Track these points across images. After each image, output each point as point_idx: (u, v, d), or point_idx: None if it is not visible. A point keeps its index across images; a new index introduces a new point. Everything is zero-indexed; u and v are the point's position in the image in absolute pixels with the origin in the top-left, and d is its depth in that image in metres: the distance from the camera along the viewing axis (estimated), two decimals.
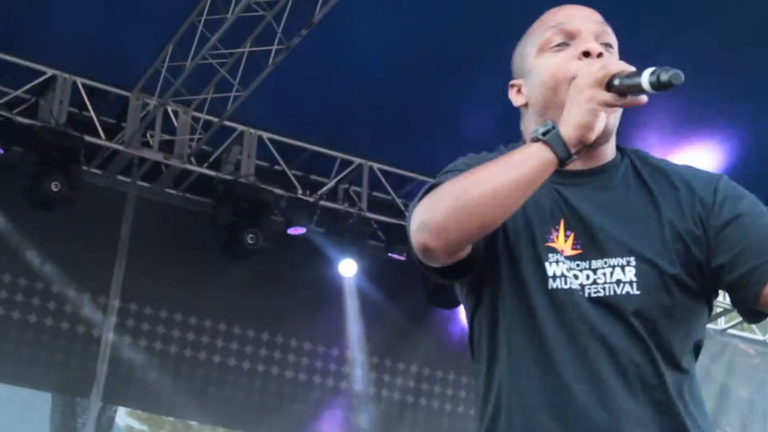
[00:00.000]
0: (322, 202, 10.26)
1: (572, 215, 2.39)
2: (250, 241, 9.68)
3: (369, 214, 10.44)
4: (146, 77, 9.13)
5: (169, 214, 10.16)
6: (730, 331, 12.58)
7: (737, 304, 2.38)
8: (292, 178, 10.23)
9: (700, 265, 2.37)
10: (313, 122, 9.89)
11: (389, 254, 10.40)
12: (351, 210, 10.40)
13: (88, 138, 9.14)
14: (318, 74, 9.04)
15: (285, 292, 10.34)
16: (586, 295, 2.33)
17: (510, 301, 2.37)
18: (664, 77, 2.14)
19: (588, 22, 2.48)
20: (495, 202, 2.19)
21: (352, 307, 10.68)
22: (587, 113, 2.20)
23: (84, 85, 9.33)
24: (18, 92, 9.15)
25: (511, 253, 2.37)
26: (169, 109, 9.31)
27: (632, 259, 2.35)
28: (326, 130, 10.03)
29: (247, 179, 9.83)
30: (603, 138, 2.36)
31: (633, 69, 2.21)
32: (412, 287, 10.48)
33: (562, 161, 2.21)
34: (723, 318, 12.46)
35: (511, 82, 2.57)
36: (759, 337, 12.83)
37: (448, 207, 2.20)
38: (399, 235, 10.17)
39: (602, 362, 2.29)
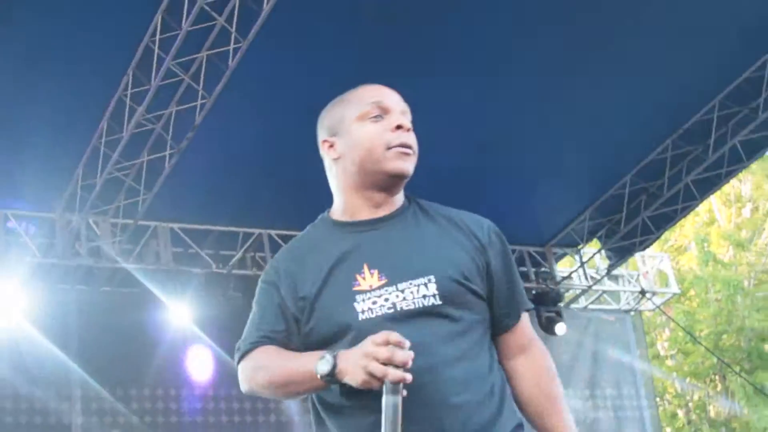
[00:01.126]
0: (234, 272, 10.69)
1: (372, 256, 2.58)
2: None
3: None
4: (65, 198, 9.40)
5: (106, 308, 10.33)
6: (591, 306, 13.16)
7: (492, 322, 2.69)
8: (206, 257, 10.63)
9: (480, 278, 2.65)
10: (214, 206, 10.27)
11: None
12: (259, 273, 10.79)
13: (28, 258, 9.48)
14: (207, 167, 9.48)
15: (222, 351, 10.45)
16: (398, 309, 2.50)
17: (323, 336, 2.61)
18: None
19: (397, 104, 2.70)
20: (274, 393, 2.65)
21: None
22: (362, 379, 2.34)
23: (14, 216, 9.61)
24: None
25: (323, 299, 2.60)
26: (91, 221, 9.55)
27: (430, 278, 2.53)
28: (226, 211, 10.44)
29: (167, 266, 10.22)
30: (395, 189, 2.69)
31: (405, 355, 2.32)
32: None
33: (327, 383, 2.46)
34: (583, 297, 13.05)
35: (324, 138, 2.75)
36: (615, 306, 13.41)
37: (246, 381, 2.66)
38: None
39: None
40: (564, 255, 12.95)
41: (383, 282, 2.53)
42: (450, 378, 2.48)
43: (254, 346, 2.65)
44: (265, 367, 2.58)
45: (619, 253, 12.30)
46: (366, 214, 2.66)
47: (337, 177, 2.73)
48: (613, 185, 11.51)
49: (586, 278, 12.78)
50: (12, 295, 9.36)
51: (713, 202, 22.61)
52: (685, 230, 23.05)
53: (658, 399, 18.55)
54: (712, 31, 9.47)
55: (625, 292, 13.38)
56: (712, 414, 21.96)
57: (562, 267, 13.08)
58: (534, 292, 12.10)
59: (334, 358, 2.40)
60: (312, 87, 8.70)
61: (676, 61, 9.72)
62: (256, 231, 10.83)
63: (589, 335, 12.96)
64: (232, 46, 7.79)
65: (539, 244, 12.46)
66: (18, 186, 9.29)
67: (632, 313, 13.63)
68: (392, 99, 2.71)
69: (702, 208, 20.98)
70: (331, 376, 2.40)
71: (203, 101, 8.21)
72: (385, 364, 2.28)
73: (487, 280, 2.64)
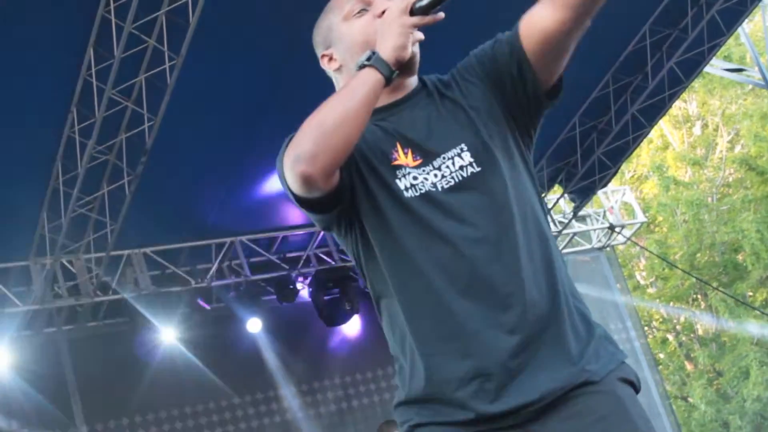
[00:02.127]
0: (213, 283, 10.71)
1: (401, 137, 2.47)
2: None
3: (254, 277, 10.91)
4: (35, 243, 9.38)
5: (96, 342, 10.37)
6: (564, 251, 13.11)
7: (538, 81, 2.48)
8: (183, 275, 10.62)
9: (520, 106, 2.50)
10: (181, 224, 10.27)
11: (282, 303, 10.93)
12: (239, 280, 10.85)
13: (9, 310, 9.45)
14: (167, 187, 9.47)
15: (213, 366, 10.63)
16: (440, 189, 2.41)
17: (378, 227, 2.43)
18: None
19: None
20: (348, 122, 2.27)
21: (268, 354, 10.98)
22: (400, 36, 2.35)
23: None
24: None
25: (366, 180, 2.44)
26: (64, 261, 9.54)
27: (463, 145, 2.45)
28: (194, 226, 10.44)
29: (148, 290, 10.21)
30: (410, 69, 2.50)
31: None
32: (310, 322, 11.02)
33: (388, 79, 2.34)
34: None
35: (322, 53, 2.63)
36: (587, 246, 13.55)
37: (314, 137, 2.26)
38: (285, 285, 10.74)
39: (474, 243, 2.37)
40: None
41: (418, 162, 2.46)
42: (513, 246, 2.38)
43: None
44: (318, 111, 2.32)
45: (582, 194, 12.39)
46: (383, 100, 2.50)
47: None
48: (563, 129, 11.57)
49: (555, 224, 12.85)
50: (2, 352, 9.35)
51: (663, 126, 22.77)
52: (642, 159, 23.19)
53: (645, 328, 18.79)
54: None
55: (594, 230, 13.50)
56: (700, 332, 22.18)
57: None
58: None
59: (370, 51, 2.38)
60: (249, 86, 8.88)
61: None
62: (228, 240, 10.84)
63: None
64: (167, 65, 7.79)
65: None
66: None
67: (606, 249, 13.77)
68: None
69: (654, 134, 21.14)
70: (375, 55, 2.35)
71: (150, 123, 8.21)
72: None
73: (507, 82, 2.50)
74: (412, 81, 2.57)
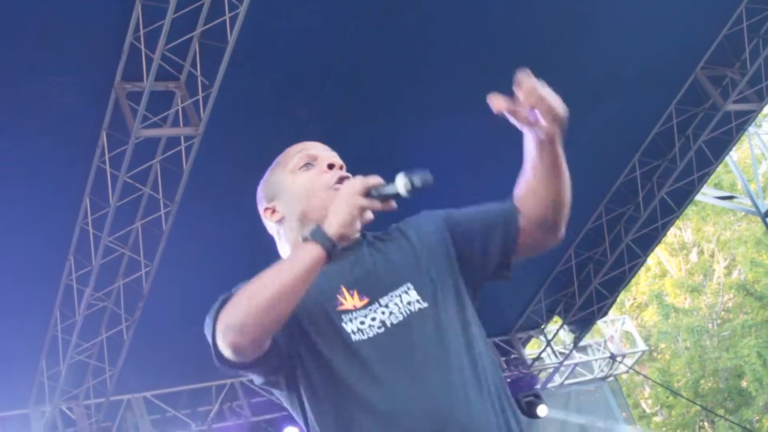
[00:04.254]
0: (214, 425, 10.50)
1: (346, 281, 2.44)
2: None
3: (255, 418, 10.69)
4: (35, 391, 9.24)
5: None
6: (567, 382, 13.03)
7: (496, 260, 2.53)
8: (184, 418, 10.44)
9: (460, 259, 2.53)
10: (180, 367, 10.05)
11: None
12: (240, 422, 10.66)
13: None
14: (165, 331, 9.30)
15: None
16: (389, 325, 2.38)
17: (326, 375, 2.36)
18: (417, 182, 2.32)
19: (323, 150, 2.63)
20: (281, 297, 2.24)
21: None
22: (349, 215, 2.31)
23: None
24: None
25: (309, 335, 2.38)
26: (64, 407, 9.36)
27: (408, 284, 2.45)
28: (193, 369, 10.08)
29: None
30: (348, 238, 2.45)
31: (382, 181, 2.36)
32: None
33: (330, 254, 2.29)
34: (557, 375, 12.92)
35: (265, 206, 2.63)
36: (590, 376, 13.31)
37: (245, 310, 2.23)
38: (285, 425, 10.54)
39: (432, 368, 2.34)
40: (530, 338, 12.88)
41: (365, 302, 2.42)
42: (459, 377, 2.36)
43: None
44: (255, 282, 2.28)
45: (581, 324, 12.26)
46: None
47: (286, 239, 2.59)
48: (559, 261, 11.53)
49: (556, 356, 12.71)
50: None
51: (660, 254, 22.74)
52: (641, 287, 23.11)
53: None
54: (619, 95, 9.66)
55: (596, 360, 13.31)
56: None
57: (531, 349, 12.99)
58: (509, 380, 11.96)
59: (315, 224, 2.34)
60: (243, 227, 8.85)
61: (590, 130, 9.88)
62: (228, 381, 10.67)
63: (572, 410, 12.87)
64: (162, 212, 7.79)
65: (504, 333, 12.39)
66: None
67: (609, 379, 13.52)
68: (318, 147, 2.65)
69: (652, 261, 21.10)
70: (319, 230, 2.30)
71: (147, 269, 8.19)
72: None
73: (460, 241, 2.54)
74: (356, 233, 2.50)
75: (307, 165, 2.58)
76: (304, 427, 2.46)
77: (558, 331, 12.58)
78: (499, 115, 2.46)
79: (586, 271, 11.61)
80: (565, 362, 12.78)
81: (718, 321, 21.83)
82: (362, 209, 2.34)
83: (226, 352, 2.29)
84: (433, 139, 8.90)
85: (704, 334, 20.81)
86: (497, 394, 2.41)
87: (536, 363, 12.54)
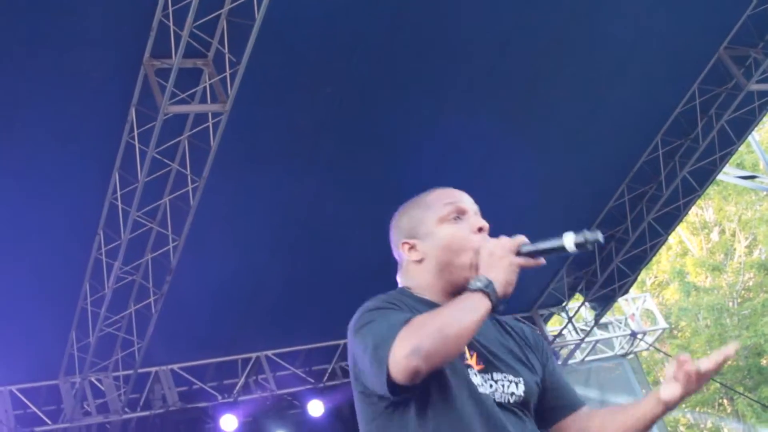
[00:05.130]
0: (240, 398, 10.53)
1: (472, 343, 2.54)
2: None
3: (280, 391, 10.72)
4: (65, 363, 9.34)
5: None
6: (588, 359, 12.98)
7: (544, 414, 2.72)
8: (210, 390, 10.48)
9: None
10: (207, 340, 10.16)
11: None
12: (265, 394, 10.68)
13: (38, 429, 9.32)
14: (192, 305, 9.40)
15: None
16: (495, 399, 2.52)
17: (441, 406, 2.47)
18: (590, 240, 2.42)
19: (471, 204, 2.69)
20: (464, 334, 2.35)
21: None
22: (511, 274, 2.44)
23: (20, 390, 9.47)
24: None
25: (443, 376, 2.47)
26: (93, 379, 9.46)
27: (520, 380, 2.58)
28: (220, 342, 10.31)
29: (176, 406, 10.07)
30: None
31: (527, 240, 2.50)
32: None
33: (494, 309, 2.42)
34: (578, 351, 12.87)
35: (404, 240, 2.69)
36: (610, 353, 13.24)
37: (435, 338, 2.31)
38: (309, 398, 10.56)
39: None
40: (551, 315, 12.85)
41: (481, 367, 2.54)
42: None
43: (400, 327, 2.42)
44: (440, 317, 2.39)
45: (603, 302, 12.21)
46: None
47: (417, 277, 2.67)
48: None
49: (577, 332, 12.68)
50: None
51: (681, 233, 22.61)
52: (662, 265, 22.98)
53: None
54: (643, 74, 9.60)
55: (617, 337, 13.25)
56: None
57: (552, 326, 12.97)
58: None
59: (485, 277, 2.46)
60: (270, 204, 8.90)
61: (614, 109, 9.83)
62: (254, 355, 10.70)
63: (593, 387, 12.80)
64: (190, 187, 7.80)
65: (526, 309, 12.37)
66: (17, 361, 9.20)
67: (629, 356, 13.45)
68: (467, 200, 2.71)
69: (673, 240, 20.98)
70: (491, 285, 2.42)
71: (174, 244, 8.22)
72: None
73: (545, 377, 2.72)
74: None
75: (456, 218, 2.64)
76: None
77: (579, 308, 12.55)
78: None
79: (608, 249, 11.55)
80: (586, 339, 12.74)
81: (739, 300, 21.69)
82: (518, 266, 2.47)
83: (401, 375, 2.34)
84: (450, 122, 8.87)
85: (724, 313, 20.69)
86: None
87: (558, 339, 12.52)
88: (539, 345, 2.76)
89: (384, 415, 2.53)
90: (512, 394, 2.53)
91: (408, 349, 2.31)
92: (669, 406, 2.61)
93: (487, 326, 2.59)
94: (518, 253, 2.48)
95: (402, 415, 2.50)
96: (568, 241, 2.43)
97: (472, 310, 2.40)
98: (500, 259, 2.47)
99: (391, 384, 2.37)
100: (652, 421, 2.66)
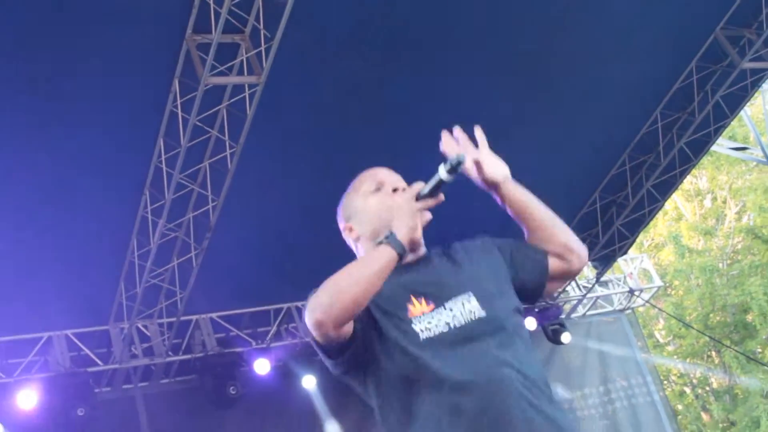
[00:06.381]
0: (272, 345, 10.56)
1: (414, 291, 2.53)
2: (233, 392, 9.95)
3: (308, 339, 10.66)
4: (114, 311, 9.39)
5: (169, 398, 10.25)
6: (588, 313, 12.96)
7: (534, 286, 2.67)
8: (245, 337, 10.51)
9: (511, 282, 2.65)
10: (243, 292, 10.16)
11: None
12: (295, 341, 10.70)
13: (91, 369, 9.41)
14: (230, 260, 9.40)
15: (272, 418, 10.50)
16: (452, 327, 2.46)
17: (398, 366, 2.45)
18: (453, 162, 2.46)
19: (389, 175, 2.74)
20: (360, 286, 2.37)
21: (321, 408, 10.68)
22: (411, 219, 2.48)
23: (75, 334, 9.53)
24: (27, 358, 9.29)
25: (383, 331, 2.48)
26: (140, 325, 9.54)
27: (469, 293, 2.53)
28: (254, 294, 10.29)
29: (214, 350, 10.13)
30: (418, 244, 2.59)
31: (423, 183, 2.53)
32: None
33: (401, 255, 2.44)
34: (580, 306, 12.85)
35: (344, 225, 2.76)
36: (610, 308, 13.22)
37: (330, 293, 2.35)
38: None
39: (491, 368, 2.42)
40: None
41: (432, 307, 2.51)
42: (519, 385, 2.42)
43: None
44: (340, 273, 2.42)
45: (603, 261, 12.16)
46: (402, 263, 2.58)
47: (361, 252, 2.71)
48: (585, 203, 11.42)
49: (579, 289, 12.65)
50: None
51: (677, 199, 22.47)
52: (659, 229, 22.87)
53: (664, 382, 18.37)
54: (644, 51, 9.48)
55: (615, 294, 13.22)
56: (714, 386, 21.64)
57: None
58: (536, 310, 11.93)
59: (389, 231, 2.49)
60: (304, 168, 8.87)
61: (617, 84, 9.74)
62: (285, 305, 10.71)
63: (593, 338, 12.78)
64: (228, 152, 7.79)
65: None
66: (72, 309, 9.26)
67: (626, 311, 13.42)
68: (384, 173, 2.76)
69: (669, 206, 20.86)
70: (392, 235, 2.46)
71: (214, 203, 8.22)
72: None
73: (511, 267, 2.67)
74: (423, 248, 2.67)
75: (376, 190, 2.70)
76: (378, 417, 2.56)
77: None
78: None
79: (610, 214, 11.49)
80: (588, 295, 12.72)
81: (728, 261, 21.58)
82: (418, 210, 2.51)
83: (314, 332, 2.41)
84: (468, 95, 8.79)
85: (715, 273, 20.60)
86: (543, 389, 2.48)
87: (561, 295, 12.48)
88: (487, 247, 2.73)
89: (367, 396, 2.56)
90: (471, 311, 2.50)
91: (310, 307, 2.39)
92: (489, 180, 2.69)
93: (437, 265, 2.62)
94: (418, 199, 2.52)
95: (371, 391, 2.53)
96: (442, 171, 2.48)
97: (370, 260, 2.44)
98: (403, 209, 2.51)
99: (319, 345, 2.46)
100: (514, 201, 2.72)
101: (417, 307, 2.51)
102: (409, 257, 2.57)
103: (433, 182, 2.51)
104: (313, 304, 2.39)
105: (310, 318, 2.39)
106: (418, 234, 2.53)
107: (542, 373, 2.53)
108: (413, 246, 2.55)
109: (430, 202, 2.54)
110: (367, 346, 2.48)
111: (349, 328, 2.43)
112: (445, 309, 2.49)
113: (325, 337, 2.40)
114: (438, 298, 2.52)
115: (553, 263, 2.69)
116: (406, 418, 2.46)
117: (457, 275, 2.59)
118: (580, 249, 2.72)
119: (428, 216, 2.57)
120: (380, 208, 2.65)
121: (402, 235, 2.46)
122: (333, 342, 2.42)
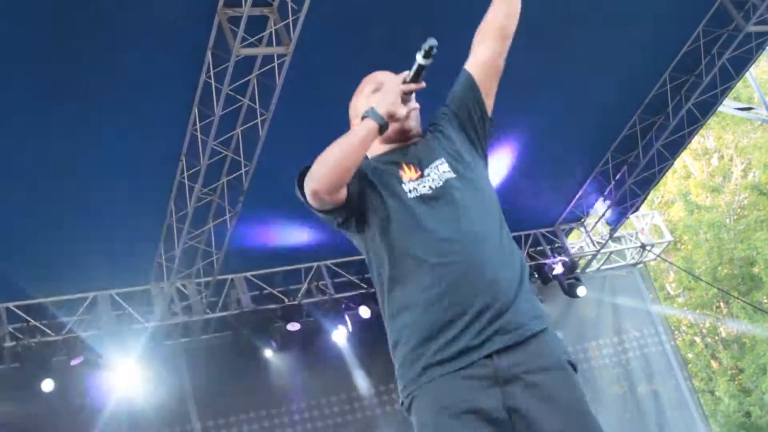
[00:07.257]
0: (303, 301, 10.64)
1: (406, 162, 2.81)
2: (267, 347, 10.14)
3: (337, 296, 10.80)
4: (154, 271, 9.48)
5: (207, 352, 10.34)
6: (603, 267, 12.94)
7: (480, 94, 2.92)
8: (278, 294, 10.60)
9: (464, 126, 2.91)
10: (275, 252, 10.22)
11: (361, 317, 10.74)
12: (324, 298, 10.77)
13: (135, 326, 9.52)
14: (262, 222, 9.49)
15: (305, 371, 10.60)
16: (433, 187, 2.74)
17: (386, 219, 2.73)
18: (425, 46, 2.65)
19: (387, 75, 2.89)
20: (347, 155, 2.63)
21: (351, 360, 10.81)
22: (392, 96, 2.70)
23: (119, 294, 9.64)
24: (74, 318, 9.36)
25: (377, 190, 2.77)
26: (179, 284, 9.62)
27: (441, 159, 2.80)
28: (285, 254, 10.35)
29: (248, 308, 10.22)
30: (409, 132, 2.88)
31: (408, 72, 2.73)
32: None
33: (382, 127, 2.68)
34: (594, 261, 12.84)
35: (351, 125, 2.96)
36: (623, 263, 13.17)
37: (321, 164, 2.63)
38: (361, 302, 10.62)
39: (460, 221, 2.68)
40: (572, 230, 12.80)
41: (419, 174, 2.78)
42: (487, 243, 2.68)
43: None
44: (329, 148, 2.66)
45: (617, 218, 12.14)
46: (399, 146, 2.91)
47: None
48: (598, 163, 11.40)
49: (594, 245, 12.63)
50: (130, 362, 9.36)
51: (685, 158, 22.33)
52: (668, 187, 22.75)
53: (675, 332, 18.34)
54: (653, 17, 9.42)
55: (628, 249, 13.19)
56: (723, 335, 21.62)
57: (572, 240, 12.93)
58: (554, 265, 11.94)
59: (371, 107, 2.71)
60: (328, 137, 8.88)
61: (627, 48, 9.66)
62: (315, 264, 10.77)
63: (607, 292, 12.77)
64: (259, 119, 7.81)
65: (549, 224, 12.32)
66: (115, 270, 9.36)
67: (639, 265, 13.39)
68: (384, 74, 2.92)
69: (678, 164, 20.73)
70: (373, 110, 2.68)
71: (246, 168, 8.25)
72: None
73: (456, 116, 2.92)
74: (418, 138, 2.93)
75: (376, 89, 2.88)
76: (375, 277, 2.79)
77: (596, 223, 12.49)
78: None
79: (622, 172, 11.46)
80: (602, 250, 12.69)
81: (735, 217, 21.47)
82: (400, 90, 2.71)
83: (311, 200, 2.67)
84: None
85: (722, 228, 20.51)
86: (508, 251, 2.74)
87: (577, 251, 12.49)
88: (445, 112, 2.94)
89: (363, 243, 2.82)
90: (444, 171, 2.76)
91: (306, 179, 2.67)
92: None
93: (422, 142, 2.88)
94: (404, 83, 2.72)
95: (370, 238, 2.77)
96: (419, 57, 2.66)
97: (353, 133, 2.69)
98: (386, 89, 2.75)
99: (314, 208, 2.72)
100: None
101: (407, 173, 2.79)
102: (404, 144, 2.87)
103: (414, 68, 2.69)
104: (308, 176, 2.66)
105: (307, 188, 2.66)
106: (399, 110, 2.70)
107: (502, 221, 2.79)
108: (404, 134, 2.84)
109: (413, 86, 2.73)
110: (362, 201, 2.75)
111: (342, 193, 2.68)
112: (426, 176, 2.77)
113: (321, 203, 2.67)
114: (421, 166, 2.79)
115: (485, 51, 2.94)
116: (394, 261, 2.69)
117: (433, 146, 2.84)
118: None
119: (415, 104, 2.80)
120: (377, 100, 2.78)
121: (381, 108, 2.68)
122: (329, 206, 2.69)
